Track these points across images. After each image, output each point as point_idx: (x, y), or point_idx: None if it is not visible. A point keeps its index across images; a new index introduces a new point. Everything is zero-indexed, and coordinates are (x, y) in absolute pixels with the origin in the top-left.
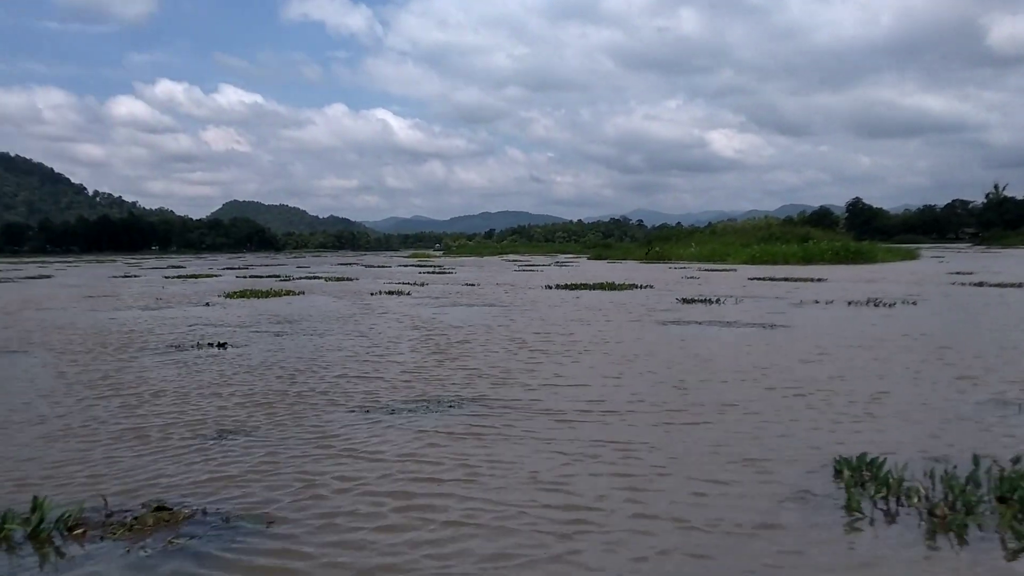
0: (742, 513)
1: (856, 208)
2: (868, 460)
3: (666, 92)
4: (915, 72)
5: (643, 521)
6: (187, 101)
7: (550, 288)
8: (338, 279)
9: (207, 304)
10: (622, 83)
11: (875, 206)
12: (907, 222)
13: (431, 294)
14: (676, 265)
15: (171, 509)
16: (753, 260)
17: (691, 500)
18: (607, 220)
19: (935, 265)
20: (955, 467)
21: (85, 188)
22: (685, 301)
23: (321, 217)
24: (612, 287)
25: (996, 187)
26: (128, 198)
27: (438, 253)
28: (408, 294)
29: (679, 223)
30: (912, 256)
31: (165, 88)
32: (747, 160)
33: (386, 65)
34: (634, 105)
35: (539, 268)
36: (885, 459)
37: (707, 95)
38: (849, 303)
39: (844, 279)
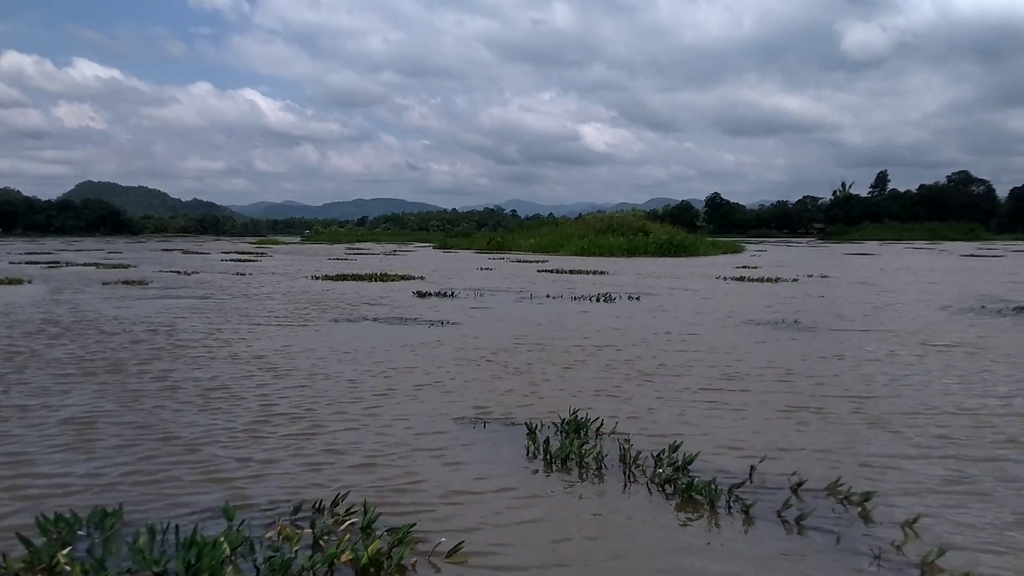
0: None
1: (715, 203)
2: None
3: (540, 84)
4: (775, 73)
5: None
6: (37, 74)
7: (317, 279)
8: (116, 266)
9: None
10: (497, 73)
11: (734, 201)
12: (761, 217)
13: (167, 284)
14: (504, 256)
15: None
16: (582, 252)
17: None
18: (481, 209)
19: (744, 259)
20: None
21: None
22: (420, 295)
23: (184, 200)
24: (385, 278)
25: (843, 184)
26: None
27: (295, 240)
28: (142, 284)
29: (551, 214)
30: (736, 249)
31: (13, 60)
32: (618, 154)
33: (254, 44)
34: (509, 96)
35: (356, 258)
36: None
37: (580, 89)
38: (575, 298)
39: (630, 272)
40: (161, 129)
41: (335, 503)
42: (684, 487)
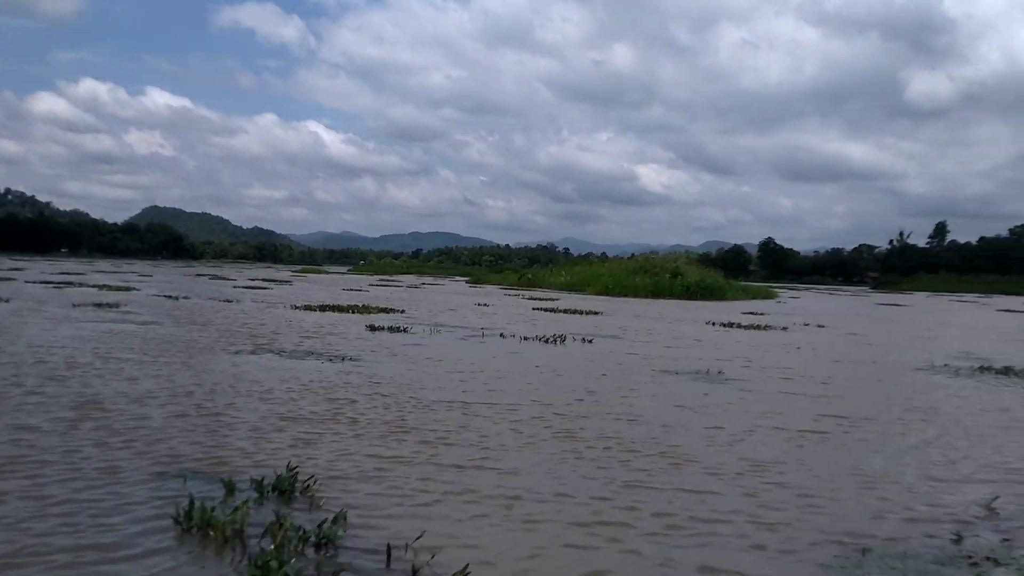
0: None
1: (768, 248)
2: None
3: (598, 124)
4: (837, 120)
5: None
6: (111, 101)
7: (297, 308)
8: (119, 288)
9: None
10: (556, 112)
11: (788, 247)
12: (816, 264)
13: (137, 308)
14: (523, 293)
15: None
16: (606, 291)
17: None
18: (535, 246)
19: (767, 305)
20: None
21: None
22: (372, 329)
23: (245, 227)
24: (365, 311)
25: (901, 234)
26: (43, 198)
27: (343, 270)
28: (111, 307)
29: (603, 253)
30: (767, 295)
31: (89, 87)
32: (674, 196)
33: (319, 77)
34: (567, 135)
35: (374, 289)
36: None
37: (638, 130)
38: (524, 338)
39: (627, 314)
40: (227, 158)
41: None
42: (262, 569)
